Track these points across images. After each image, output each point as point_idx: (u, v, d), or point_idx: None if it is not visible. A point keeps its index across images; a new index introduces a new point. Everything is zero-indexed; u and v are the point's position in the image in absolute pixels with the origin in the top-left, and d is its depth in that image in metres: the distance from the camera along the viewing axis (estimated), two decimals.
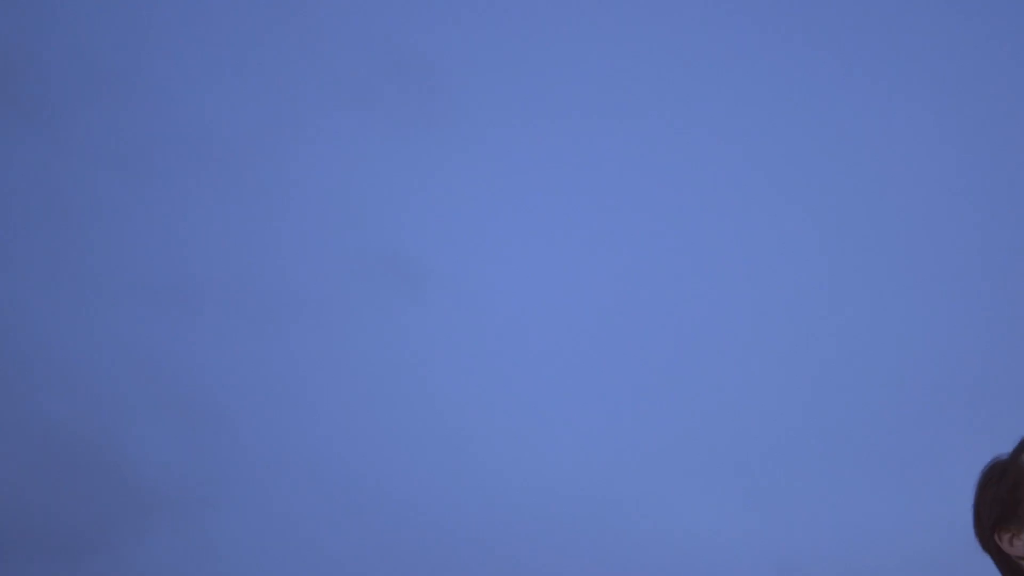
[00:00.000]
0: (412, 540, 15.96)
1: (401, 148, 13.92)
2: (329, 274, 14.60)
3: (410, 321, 15.58)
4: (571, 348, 16.20)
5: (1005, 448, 2.30)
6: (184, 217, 13.25)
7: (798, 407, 16.33)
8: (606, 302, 16.27)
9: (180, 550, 13.55)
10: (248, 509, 14.71)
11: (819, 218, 14.13)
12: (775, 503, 16.82)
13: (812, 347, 16.17)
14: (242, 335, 14.36)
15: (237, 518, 14.73)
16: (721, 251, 14.75)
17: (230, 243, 13.59)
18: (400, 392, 15.98)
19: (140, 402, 13.55)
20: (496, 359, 16.23)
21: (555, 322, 16.18)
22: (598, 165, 14.10)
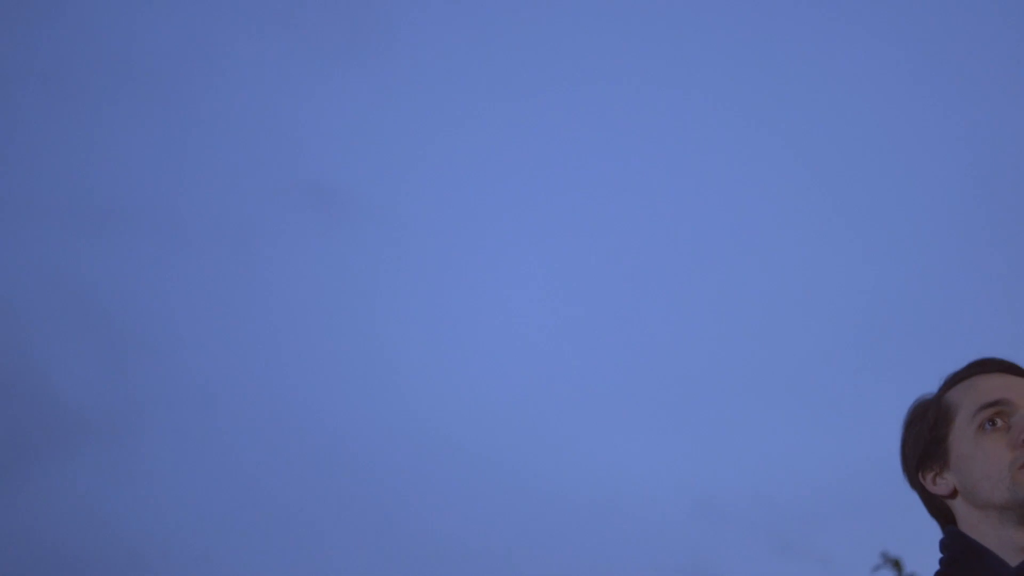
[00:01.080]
0: (337, 464, 15.90)
1: (327, 77, 13.71)
2: (254, 201, 14.41)
3: (333, 247, 15.45)
4: (495, 278, 16.16)
5: (930, 388, 2.30)
6: (109, 141, 13.01)
7: (719, 349, 16.41)
8: (533, 234, 16.22)
9: (105, 474, 13.42)
10: (174, 434, 14.60)
11: (744, 159, 14.15)
12: (696, 440, 16.92)
13: (735, 290, 16.24)
14: (167, 260, 14.17)
15: (163, 443, 14.62)
16: (645, 200, 14.74)
17: (156, 168, 13.39)
18: (324, 317, 15.86)
19: (64, 327, 13.35)
20: (419, 287, 16.15)
21: (480, 252, 16.11)
22: (519, 97, 13.99)
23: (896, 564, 4.67)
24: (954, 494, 2.20)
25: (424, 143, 15.03)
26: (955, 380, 2.26)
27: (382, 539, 16.19)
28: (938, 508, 2.24)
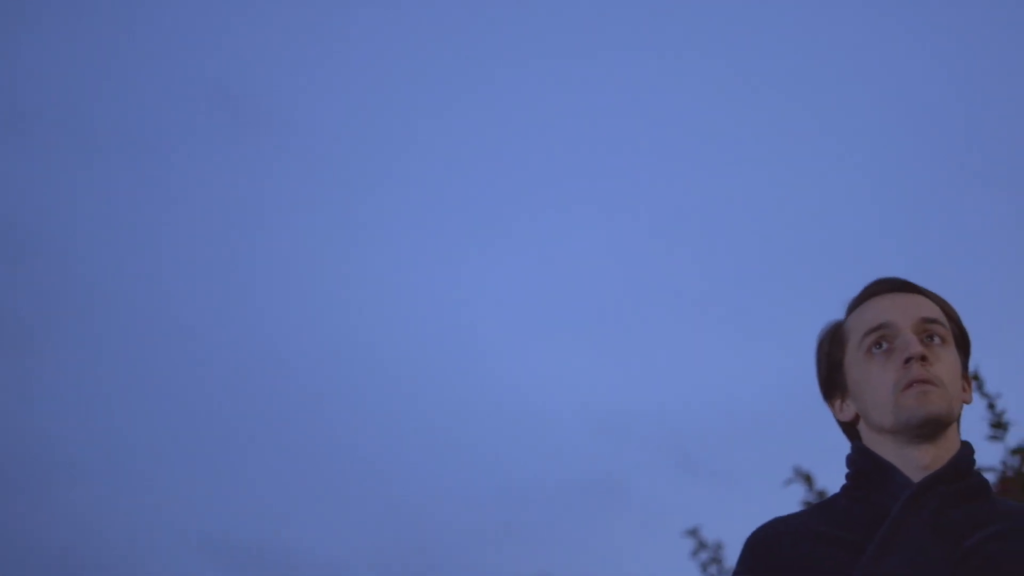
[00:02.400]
0: (248, 374, 15.85)
1: None
2: (160, 104, 14.20)
3: (240, 153, 15.29)
4: (414, 188, 16.10)
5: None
6: (9, 43, 12.74)
7: (634, 266, 16.49)
8: (448, 143, 16.15)
9: (6, 386, 13.27)
10: (76, 342, 14.45)
11: (671, 80, 14.12)
12: (605, 356, 17.05)
13: (651, 206, 16.28)
14: (69, 164, 13.96)
15: (65, 351, 14.47)
16: (564, 114, 14.69)
17: (59, 71, 13.14)
18: (233, 224, 15.73)
19: None
20: (332, 196, 16.06)
21: (396, 162, 16.04)
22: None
23: (807, 479, 4.70)
24: (857, 419, 2.22)
25: (339, 49, 14.86)
26: (853, 304, 2.27)
27: (299, 448, 16.17)
28: (850, 431, 2.25)
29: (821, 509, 2.19)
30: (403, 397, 16.62)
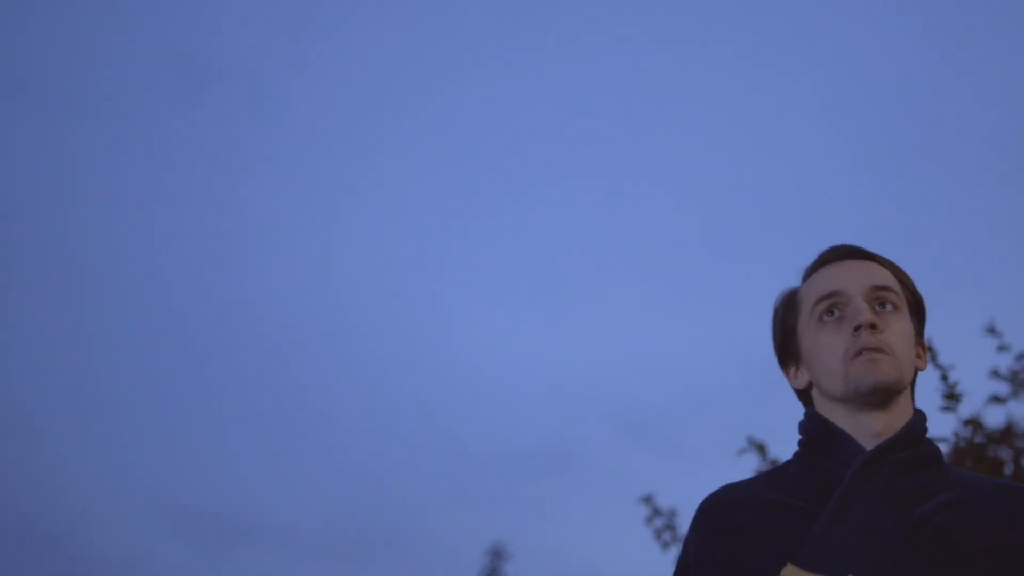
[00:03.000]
0: (212, 347, 15.74)
1: None
2: (115, 66, 14.06)
3: (194, 114, 15.15)
4: (380, 158, 16.00)
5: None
6: None
7: (599, 240, 16.45)
8: (417, 117, 16.05)
9: None
10: (38, 309, 14.34)
11: (616, 53, 14.10)
12: (564, 327, 17.04)
13: (605, 178, 16.25)
14: (24, 125, 13.81)
15: (26, 318, 14.35)
16: (511, 89, 14.63)
17: (12, 35, 12.99)
18: (188, 184, 15.60)
19: None
20: (286, 157, 15.94)
21: (363, 134, 15.93)
22: None
23: (760, 448, 4.71)
24: (811, 386, 2.22)
25: (289, 12, 14.73)
26: (807, 272, 2.27)
27: (257, 415, 16.10)
28: (805, 398, 2.26)
29: (773, 476, 2.20)
30: (362, 365, 16.57)
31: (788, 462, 2.22)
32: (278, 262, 16.14)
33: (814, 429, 2.17)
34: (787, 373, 2.27)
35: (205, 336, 15.90)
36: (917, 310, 2.23)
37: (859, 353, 2.12)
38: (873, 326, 2.12)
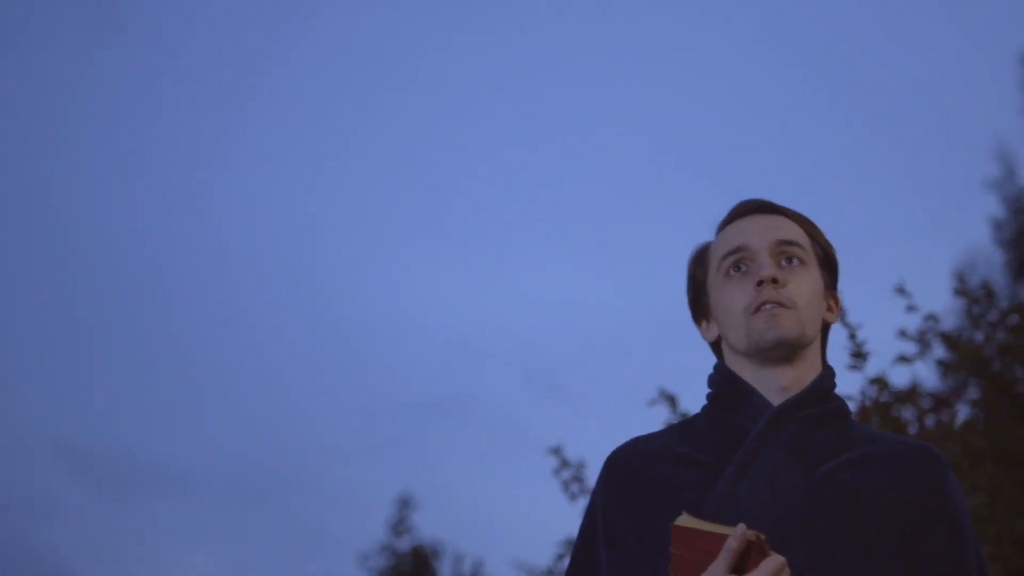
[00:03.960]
0: (113, 288, 15.56)
1: None
2: (27, 3, 13.82)
3: (108, 57, 14.91)
4: (286, 101, 15.83)
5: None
6: None
7: (507, 187, 16.42)
8: (322, 61, 15.89)
9: None
10: None
11: None
12: (463, 276, 17.03)
13: (521, 127, 16.19)
14: None
15: None
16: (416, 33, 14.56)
17: None
18: (99, 127, 15.37)
19: None
20: (205, 101, 15.74)
21: (266, 75, 15.76)
22: None
23: (671, 400, 4.72)
24: (721, 340, 2.22)
25: None
26: (719, 227, 2.26)
27: (161, 359, 15.95)
28: (719, 352, 2.25)
29: (681, 429, 2.20)
30: (268, 312, 16.45)
31: (697, 415, 2.22)
32: (181, 206, 15.97)
33: (722, 383, 2.17)
34: (699, 327, 2.26)
35: (111, 279, 15.73)
36: (827, 264, 2.22)
37: (760, 308, 2.11)
38: (775, 281, 2.11)
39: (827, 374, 2.17)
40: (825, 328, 2.23)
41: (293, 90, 15.42)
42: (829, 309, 2.22)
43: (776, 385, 2.12)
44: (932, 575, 2.02)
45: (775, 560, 1.84)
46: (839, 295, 2.25)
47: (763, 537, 1.85)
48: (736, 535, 1.84)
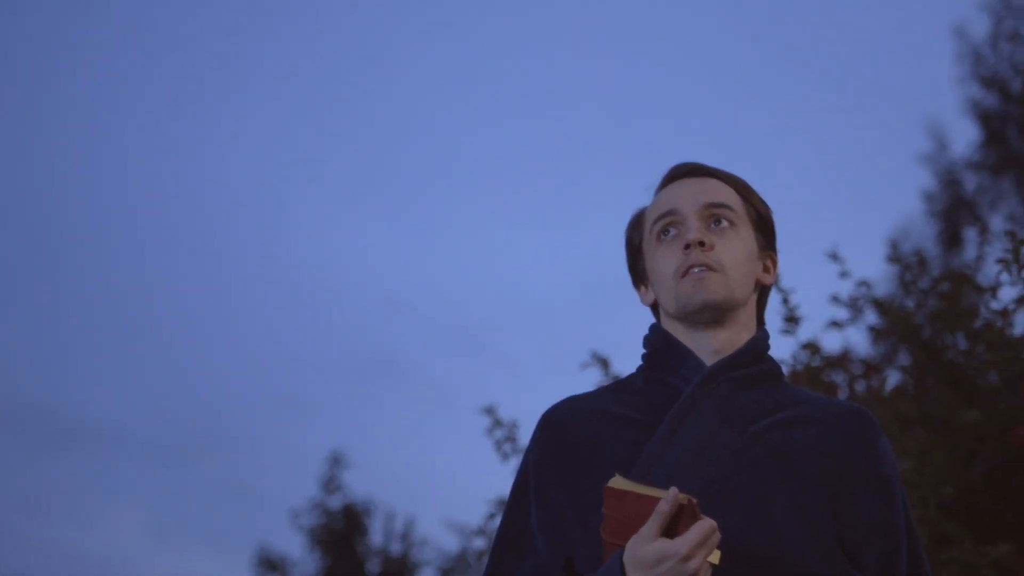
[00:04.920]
0: (42, 242, 15.38)
1: None
2: None
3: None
4: (225, 57, 15.68)
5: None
6: None
7: (443, 147, 16.36)
8: (257, 20, 15.73)
9: None
10: None
11: None
12: (396, 233, 16.96)
13: (465, 88, 16.13)
14: None
15: None
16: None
17: None
18: (32, 79, 15.16)
19: None
20: (137, 50, 15.56)
21: (197, 30, 15.59)
22: None
23: (604, 363, 4.73)
24: (657, 304, 2.23)
25: None
26: (656, 191, 2.27)
27: (86, 312, 15.81)
28: (658, 315, 2.26)
29: (616, 389, 2.21)
30: (194, 266, 16.32)
31: (632, 375, 2.23)
32: (104, 160, 15.80)
33: (656, 343, 2.18)
34: (639, 292, 2.27)
35: (30, 233, 15.54)
36: (762, 225, 2.22)
37: (688, 271, 2.12)
38: (702, 243, 2.12)
39: (761, 336, 2.18)
40: (763, 290, 2.24)
41: (235, 49, 15.28)
42: (765, 270, 2.22)
43: (709, 347, 2.13)
44: (861, 536, 2.04)
45: (706, 523, 1.84)
46: (776, 256, 2.26)
47: (694, 501, 1.85)
48: (668, 498, 1.84)
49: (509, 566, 2.11)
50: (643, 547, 1.85)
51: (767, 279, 2.22)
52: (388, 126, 15.86)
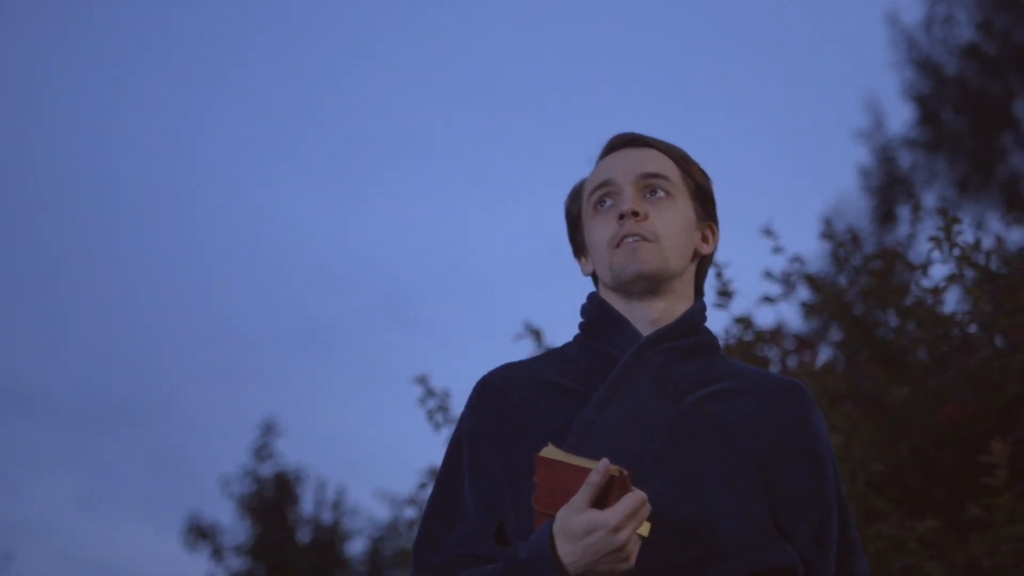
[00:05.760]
0: None
1: None
2: None
3: None
4: (156, 18, 15.52)
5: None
6: None
7: (387, 116, 16.28)
8: None
9: None
10: None
11: None
12: (343, 202, 16.88)
13: (408, 56, 16.06)
14: None
15: None
16: None
17: None
18: None
19: None
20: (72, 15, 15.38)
21: None
22: None
23: (536, 334, 4.73)
24: (596, 275, 2.23)
25: None
26: (596, 162, 2.26)
27: (16, 276, 15.66)
28: (598, 287, 2.26)
29: (553, 357, 2.20)
30: (125, 232, 16.16)
31: (568, 344, 2.22)
32: (36, 123, 15.62)
33: (593, 312, 2.18)
34: (579, 263, 2.27)
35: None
36: (701, 195, 2.22)
37: (621, 241, 2.12)
38: (636, 213, 2.12)
39: (698, 308, 2.18)
40: (702, 260, 2.24)
41: (166, 14, 15.12)
42: (704, 240, 2.22)
43: (646, 318, 2.14)
44: (793, 509, 2.05)
45: (636, 495, 1.84)
46: (716, 227, 2.25)
47: (625, 472, 1.85)
48: (599, 469, 1.84)
49: (441, 533, 2.10)
50: (573, 518, 1.85)
51: (705, 249, 2.22)
52: (324, 95, 15.76)
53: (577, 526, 1.84)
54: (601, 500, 1.86)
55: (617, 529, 1.83)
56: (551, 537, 1.87)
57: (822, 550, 2.05)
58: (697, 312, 2.17)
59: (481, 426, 2.13)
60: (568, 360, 2.17)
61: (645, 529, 1.86)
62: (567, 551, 1.86)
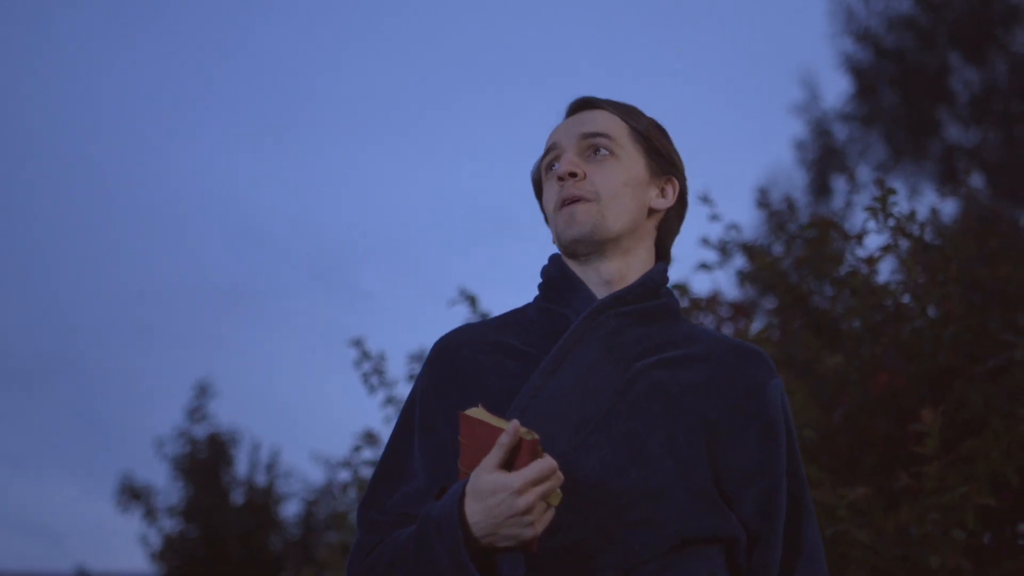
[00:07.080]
0: None
1: None
2: None
3: None
4: None
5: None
6: None
7: (304, 78, 16.14)
8: None
9: None
10: None
11: None
12: (268, 161, 16.76)
13: (325, 12, 15.91)
14: None
15: None
16: None
17: None
18: None
19: None
20: None
21: None
22: None
23: (472, 300, 4.71)
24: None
25: None
26: None
27: None
28: None
29: (511, 319, 2.20)
30: (52, 190, 15.97)
31: (528, 305, 2.22)
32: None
33: (551, 273, 2.17)
34: (548, 224, 2.26)
35: None
36: (652, 150, 2.20)
37: (562, 205, 2.13)
38: (573, 175, 2.12)
39: (656, 271, 2.17)
40: (667, 219, 2.22)
41: None
42: (660, 195, 2.21)
43: (600, 279, 2.13)
44: (739, 477, 2.05)
45: (545, 462, 1.85)
46: (677, 180, 2.23)
47: (537, 437, 1.86)
48: (509, 431, 1.85)
49: (388, 491, 2.11)
50: (482, 476, 1.87)
51: (661, 204, 2.20)
52: (253, 52, 15.63)
53: (483, 485, 1.86)
54: (512, 463, 1.87)
55: (519, 492, 1.83)
56: (462, 496, 1.89)
57: (768, 520, 2.05)
58: (656, 274, 2.16)
59: (433, 387, 2.13)
60: (525, 322, 2.17)
61: (555, 498, 1.86)
62: (473, 509, 1.87)
